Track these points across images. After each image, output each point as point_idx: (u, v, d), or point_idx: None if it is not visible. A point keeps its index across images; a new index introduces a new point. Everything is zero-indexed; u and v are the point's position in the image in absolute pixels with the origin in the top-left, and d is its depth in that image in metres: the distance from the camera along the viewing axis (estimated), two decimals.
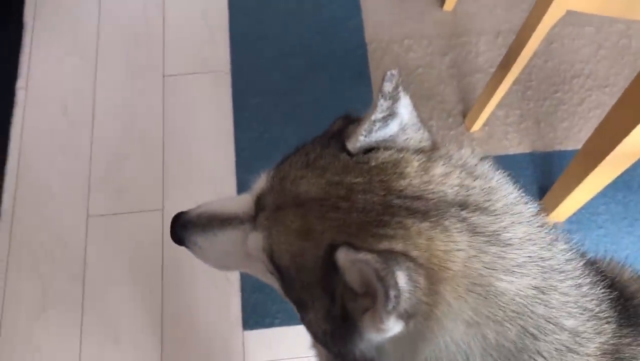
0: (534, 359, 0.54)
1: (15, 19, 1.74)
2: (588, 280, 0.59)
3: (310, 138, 0.67)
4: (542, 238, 0.57)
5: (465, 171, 0.58)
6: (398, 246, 0.52)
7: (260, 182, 0.66)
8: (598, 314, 0.58)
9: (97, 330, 1.39)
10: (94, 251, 1.47)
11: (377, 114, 0.58)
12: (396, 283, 0.48)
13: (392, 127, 0.60)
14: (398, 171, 0.57)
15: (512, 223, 0.56)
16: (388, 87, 0.57)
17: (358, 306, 0.53)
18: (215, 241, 0.70)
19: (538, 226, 0.57)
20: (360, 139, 0.59)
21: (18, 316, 1.40)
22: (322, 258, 0.55)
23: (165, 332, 1.39)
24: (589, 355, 0.56)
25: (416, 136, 0.61)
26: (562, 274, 0.57)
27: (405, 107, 0.60)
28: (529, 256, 0.55)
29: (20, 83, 1.68)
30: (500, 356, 0.54)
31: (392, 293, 0.47)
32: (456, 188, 0.56)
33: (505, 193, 0.58)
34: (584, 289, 0.58)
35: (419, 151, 0.59)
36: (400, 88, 0.59)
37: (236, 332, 1.39)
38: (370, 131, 0.59)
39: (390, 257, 0.50)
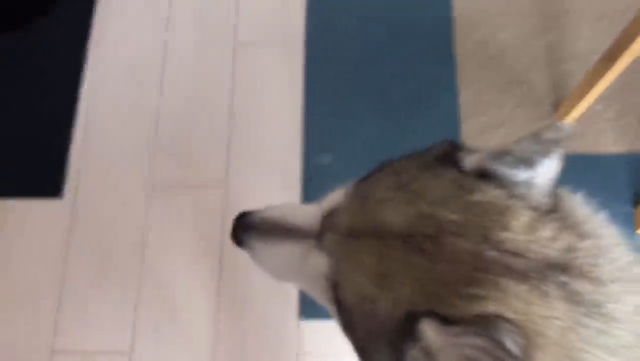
0: None
1: None
2: None
3: (396, 154, 0.57)
4: None
5: (576, 231, 0.48)
6: (491, 308, 0.43)
7: (336, 196, 0.58)
8: None
9: (153, 303, 1.37)
10: (154, 224, 1.43)
11: (521, 152, 0.48)
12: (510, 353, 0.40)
13: (520, 174, 0.49)
14: (502, 220, 0.47)
15: (621, 292, 0.46)
16: (548, 135, 0.48)
17: None
18: (275, 251, 0.63)
19: None
20: (487, 160, 0.49)
21: (77, 285, 1.39)
22: (396, 320, 0.46)
23: (220, 312, 1.35)
24: None
25: (537, 197, 0.49)
26: None
27: (546, 168, 0.49)
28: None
29: (91, 42, 1.64)
30: None
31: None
32: (561, 251, 0.46)
33: (617, 255, 0.48)
34: None
35: (533, 208, 0.48)
36: (558, 146, 0.48)
37: (292, 321, 1.34)
38: (502, 161, 0.49)
39: (493, 326, 0.41)
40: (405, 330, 0.44)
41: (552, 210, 0.49)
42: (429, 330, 0.43)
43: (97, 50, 1.63)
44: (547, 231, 0.47)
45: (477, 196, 0.48)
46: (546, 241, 0.46)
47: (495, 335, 0.40)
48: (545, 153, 0.48)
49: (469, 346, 0.40)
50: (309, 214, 0.60)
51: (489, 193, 0.48)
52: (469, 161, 0.50)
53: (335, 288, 0.53)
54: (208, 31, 1.63)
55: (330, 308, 0.57)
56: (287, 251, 0.61)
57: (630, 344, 0.44)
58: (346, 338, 0.55)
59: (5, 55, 1.65)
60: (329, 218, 0.57)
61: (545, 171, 0.49)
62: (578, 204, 0.50)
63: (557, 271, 0.45)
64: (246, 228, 0.66)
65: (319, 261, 0.55)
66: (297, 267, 0.61)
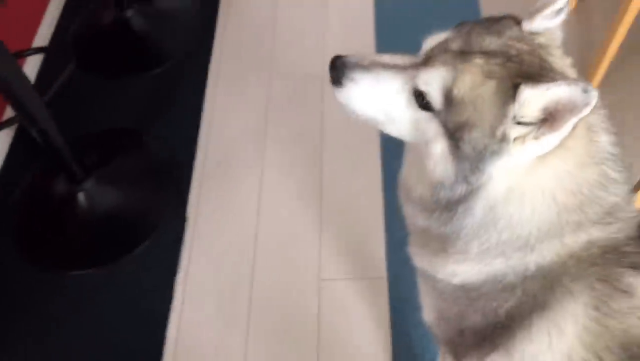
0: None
1: (178, 214, 1.81)
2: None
3: None
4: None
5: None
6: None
7: (440, 37, 0.80)
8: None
9: None
10: None
11: (557, 5, 0.77)
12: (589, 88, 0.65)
13: (556, 22, 0.79)
14: (549, 52, 0.77)
15: None
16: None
17: (518, 131, 0.72)
18: (376, 81, 0.81)
19: None
20: (537, 21, 0.77)
21: None
22: (501, 93, 0.72)
23: None
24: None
25: (558, 37, 0.80)
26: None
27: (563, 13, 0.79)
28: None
29: (179, 277, 1.69)
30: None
31: (591, 93, 0.65)
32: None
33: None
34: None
35: (559, 46, 0.79)
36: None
37: None
38: (546, 17, 0.77)
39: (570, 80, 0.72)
40: (506, 97, 0.71)
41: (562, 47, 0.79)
42: (528, 90, 0.69)
43: (184, 286, 1.67)
44: (568, 59, 0.79)
45: (536, 40, 0.77)
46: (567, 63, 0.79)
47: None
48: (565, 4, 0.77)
49: (558, 88, 0.67)
50: (403, 58, 0.82)
51: (541, 39, 0.77)
52: (529, 25, 0.78)
53: (449, 88, 0.74)
54: (293, 264, 1.69)
55: (422, 123, 0.78)
56: (389, 80, 0.80)
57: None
58: (443, 130, 0.76)
59: (94, 290, 1.69)
60: (436, 48, 0.78)
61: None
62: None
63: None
64: (345, 64, 0.82)
65: (431, 75, 0.76)
66: (395, 96, 0.80)
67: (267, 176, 1.87)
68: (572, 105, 0.66)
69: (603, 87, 1.95)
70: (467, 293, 0.88)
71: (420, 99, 0.77)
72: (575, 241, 0.79)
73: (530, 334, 0.81)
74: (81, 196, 1.80)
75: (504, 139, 0.72)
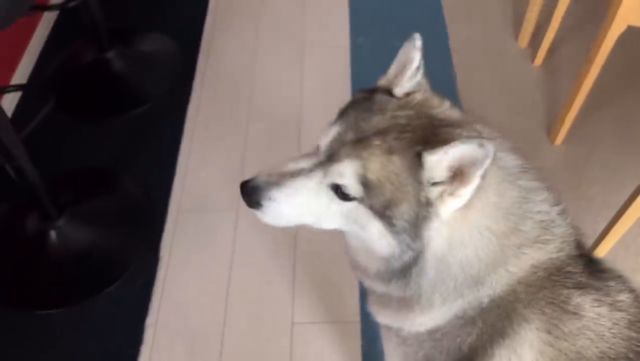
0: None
1: (151, 256, 1.79)
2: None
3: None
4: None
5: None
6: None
7: (331, 131, 0.84)
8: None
9: None
10: None
11: (416, 64, 0.85)
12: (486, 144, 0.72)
13: (419, 76, 0.86)
14: (431, 105, 0.84)
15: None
16: (419, 44, 0.85)
17: (436, 192, 0.77)
18: (293, 192, 0.84)
19: None
20: (405, 84, 0.85)
21: None
22: (408, 163, 0.77)
23: None
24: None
25: (424, 83, 0.87)
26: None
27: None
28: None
29: (150, 320, 1.67)
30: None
31: (487, 147, 0.72)
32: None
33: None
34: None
35: (430, 91, 0.87)
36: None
37: None
38: (412, 77, 0.85)
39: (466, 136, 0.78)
40: (414, 166, 0.76)
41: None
42: (430, 156, 0.75)
43: (155, 329, 1.65)
44: (446, 102, 0.86)
45: (414, 101, 0.84)
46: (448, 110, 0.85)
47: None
48: (421, 55, 0.85)
49: (456, 148, 0.73)
50: (303, 160, 0.85)
51: (417, 97, 0.85)
52: (400, 91, 0.85)
53: (364, 175, 0.78)
54: (265, 310, 1.68)
55: (349, 210, 0.82)
56: (302, 185, 0.83)
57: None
58: (371, 213, 0.80)
59: (61, 330, 1.65)
60: (334, 142, 0.82)
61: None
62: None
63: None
64: (256, 188, 0.86)
65: (343, 167, 0.80)
66: (313, 195, 0.83)
67: (242, 220, 1.88)
68: (473, 160, 0.73)
69: (568, 141, 2.03)
70: (431, 335, 0.91)
71: (340, 193, 0.81)
72: (519, 267, 0.83)
73: None
74: (53, 234, 1.78)
75: (428, 203, 0.77)
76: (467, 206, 0.78)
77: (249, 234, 1.84)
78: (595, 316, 0.81)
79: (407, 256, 0.82)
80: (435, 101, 0.85)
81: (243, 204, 1.84)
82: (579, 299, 0.82)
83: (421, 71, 0.86)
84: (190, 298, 1.72)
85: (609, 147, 2.02)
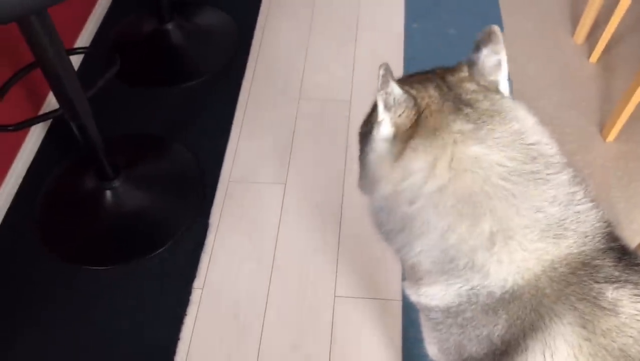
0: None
1: (200, 222, 1.84)
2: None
3: None
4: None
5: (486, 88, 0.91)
6: (413, 91, 0.89)
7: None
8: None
9: None
10: None
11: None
12: (391, 89, 0.86)
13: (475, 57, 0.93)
14: (458, 74, 0.93)
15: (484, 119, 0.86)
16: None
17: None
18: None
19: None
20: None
21: None
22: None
23: None
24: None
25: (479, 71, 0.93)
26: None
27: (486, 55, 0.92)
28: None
29: (197, 283, 1.72)
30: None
31: (386, 89, 0.86)
32: (469, 93, 0.90)
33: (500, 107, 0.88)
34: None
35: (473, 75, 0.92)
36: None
37: None
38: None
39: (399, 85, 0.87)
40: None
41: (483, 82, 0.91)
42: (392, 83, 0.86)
43: (202, 291, 1.70)
44: (472, 85, 0.90)
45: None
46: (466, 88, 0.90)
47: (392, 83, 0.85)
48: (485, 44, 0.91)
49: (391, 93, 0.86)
50: None
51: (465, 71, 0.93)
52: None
53: None
54: (310, 278, 1.72)
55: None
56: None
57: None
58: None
59: (108, 287, 1.71)
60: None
61: (485, 56, 0.91)
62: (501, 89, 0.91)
63: (458, 100, 0.88)
64: None
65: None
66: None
67: (290, 194, 1.91)
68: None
69: (621, 138, 2.02)
70: (455, 318, 0.90)
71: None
72: (529, 261, 0.81)
73: (526, 357, 0.81)
74: (108, 194, 1.84)
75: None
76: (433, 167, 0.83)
77: (296, 208, 1.88)
78: (634, 313, 0.78)
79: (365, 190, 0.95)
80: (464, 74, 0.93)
81: (290, 177, 1.89)
82: (614, 294, 0.79)
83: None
84: (237, 264, 1.76)
85: None
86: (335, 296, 1.69)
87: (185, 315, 1.65)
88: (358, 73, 2.26)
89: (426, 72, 0.95)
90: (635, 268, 0.82)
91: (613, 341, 0.77)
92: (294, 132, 2.09)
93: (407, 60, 2.28)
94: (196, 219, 1.85)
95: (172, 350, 1.58)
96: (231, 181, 1.95)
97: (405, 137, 0.86)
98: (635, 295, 0.79)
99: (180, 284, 1.72)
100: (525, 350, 0.82)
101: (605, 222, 0.86)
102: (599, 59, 2.26)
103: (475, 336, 0.89)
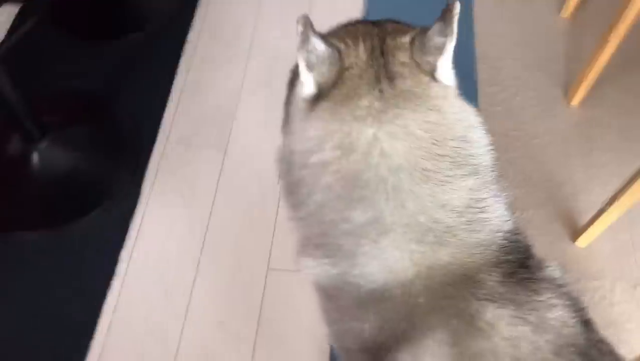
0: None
1: (133, 187, 1.74)
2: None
3: None
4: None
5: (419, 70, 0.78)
6: (342, 45, 0.79)
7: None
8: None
9: None
10: None
11: None
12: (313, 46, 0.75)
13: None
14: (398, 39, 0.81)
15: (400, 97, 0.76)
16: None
17: None
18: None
19: None
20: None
21: None
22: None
23: None
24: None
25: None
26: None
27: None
28: None
29: (124, 253, 1.63)
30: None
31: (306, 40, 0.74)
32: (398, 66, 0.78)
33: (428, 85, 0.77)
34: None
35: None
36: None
37: None
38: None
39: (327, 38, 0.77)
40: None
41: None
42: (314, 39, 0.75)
43: (128, 264, 1.61)
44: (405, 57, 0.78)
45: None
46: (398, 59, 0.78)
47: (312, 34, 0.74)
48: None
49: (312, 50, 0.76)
50: None
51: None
52: None
53: None
54: (243, 253, 1.63)
55: None
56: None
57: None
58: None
59: (36, 254, 1.63)
60: None
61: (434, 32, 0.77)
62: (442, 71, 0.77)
63: (383, 69, 0.77)
64: None
65: None
66: None
67: (230, 160, 1.80)
68: None
69: (586, 103, 1.89)
70: (333, 303, 0.83)
71: None
72: (402, 264, 0.73)
73: None
74: (35, 156, 1.74)
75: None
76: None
77: (235, 175, 1.77)
78: (510, 337, 0.69)
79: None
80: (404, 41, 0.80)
81: (232, 142, 1.78)
82: (490, 315, 0.69)
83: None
84: (167, 234, 1.67)
85: (629, 114, 1.87)
86: (268, 268, 1.60)
87: (109, 288, 1.57)
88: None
89: (375, 23, 0.84)
90: (528, 284, 0.73)
91: None
92: (240, 93, 1.96)
93: (367, 14, 2.13)
94: (128, 184, 1.75)
95: (91, 326, 1.51)
96: (168, 144, 1.84)
97: (323, 96, 0.77)
98: (515, 317, 0.70)
99: (106, 254, 1.63)
100: (394, 360, 0.73)
101: (507, 232, 0.77)
102: (572, 14, 2.11)
103: (350, 328, 0.81)
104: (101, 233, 1.66)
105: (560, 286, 0.76)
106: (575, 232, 1.64)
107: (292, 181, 0.81)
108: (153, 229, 1.67)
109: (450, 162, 0.74)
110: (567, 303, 0.74)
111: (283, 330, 1.51)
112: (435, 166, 0.73)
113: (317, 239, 0.80)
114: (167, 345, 1.48)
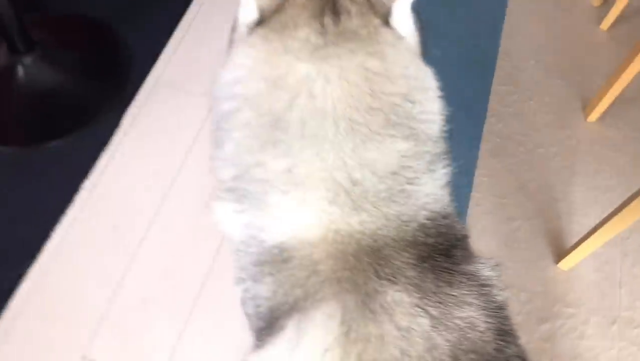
0: None
1: (114, 116, 1.68)
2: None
3: None
4: None
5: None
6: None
7: None
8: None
9: None
10: None
11: None
12: None
13: None
14: None
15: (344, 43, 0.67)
16: None
17: None
18: None
19: None
20: None
21: None
22: None
23: None
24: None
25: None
26: None
27: None
28: None
29: (88, 182, 1.57)
30: None
31: None
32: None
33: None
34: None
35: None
36: None
37: None
38: None
39: None
40: None
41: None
42: None
43: (89, 193, 1.55)
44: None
45: None
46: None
47: None
48: None
49: None
50: None
51: None
52: None
53: None
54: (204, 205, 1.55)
55: None
56: None
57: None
58: None
59: (5, 167, 1.58)
60: None
61: None
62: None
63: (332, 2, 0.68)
64: None
65: None
66: None
67: None
68: None
69: (604, 119, 1.75)
70: (238, 260, 0.74)
71: None
72: (304, 220, 0.65)
73: (275, 341, 0.65)
74: (20, 70, 1.68)
75: None
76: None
77: None
78: (404, 328, 0.60)
79: None
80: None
81: None
82: (389, 298, 0.61)
83: None
84: (136, 173, 1.60)
85: None
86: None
87: (64, 214, 1.52)
88: None
89: None
90: (442, 274, 0.64)
91: (367, 354, 0.60)
92: None
93: None
94: (109, 114, 1.69)
95: (37, 246, 1.46)
96: (159, 83, 1.77)
97: (262, 22, 0.70)
98: (416, 306, 0.61)
99: (70, 179, 1.57)
100: (280, 330, 0.66)
101: (435, 213, 0.68)
102: (611, 27, 1.96)
103: (248, 289, 0.73)
104: (70, 159, 1.61)
105: (483, 285, 0.67)
106: (561, 253, 1.52)
107: (218, 116, 0.73)
108: (122, 166, 1.61)
109: (384, 118, 0.66)
110: (484, 305, 0.65)
111: (228, 292, 1.43)
112: (365, 120, 0.65)
113: (231, 183, 0.72)
114: (107, 282, 1.42)
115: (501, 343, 0.64)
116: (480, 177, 1.62)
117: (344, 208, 0.65)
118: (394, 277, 0.63)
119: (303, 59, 0.66)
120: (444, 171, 0.71)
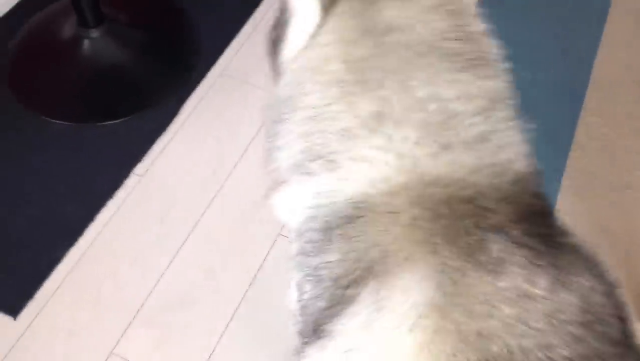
0: None
1: (175, 102, 1.61)
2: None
3: None
4: None
5: None
6: None
7: None
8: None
9: None
10: None
11: None
12: None
13: None
14: None
15: None
16: None
17: None
18: None
19: None
20: None
21: None
22: None
23: None
24: None
25: None
26: None
27: None
28: None
29: (139, 168, 1.49)
30: None
31: None
32: None
33: None
34: None
35: None
36: None
37: None
38: None
39: None
40: None
41: None
42: None
43: (140, 179, 1.48)
44: None
45: None
46: None
47: None
48: None
49: None
50: None
51: None
52: None
53: None
54: (259, 207, 1.46)
55: None
56: None
57: None
58: None
59: (58, 144, 1.52)
60: None
61: None
62: None
63: None
64: None
65: None
66: None
67: None
68: None
69: None
70: (299, 240, 0.67)
71: None
72: (389, 161, 0.57)
73: (351, 312, 0.55)
74: (86, 44, 1.63)
75: None
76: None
77: None
78: (517, 288, 0.51)
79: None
80: None
81: None
82: (494, 254, 0.51)
83: None
84: (190, 164, 1.52)
85: None
86: (280, 234, 1.42)
87: (111, 198, 1.44)
88: None
89: None
90: (547, 239, 0.56)
91: (471, 321, 0.49)
92: None
93: None
94: (170, 99, 1.61)
95: (79, 229, 1.38)
96: (225, 72, 1.69)
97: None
98: (530, 264, 0.52)
99: (122, 163, 1.50)
100: (351, 302, 0.55)
101: (524, 173, 0.62)
102: None
103: (307, 268, 0.64)
104: (124, 141, 1.54)
105: (588, 259, 0.61)
106: None
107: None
108: (176, 156, 1.53)
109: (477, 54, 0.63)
110: (598, 278, 0.59)
111: (274, 298, 1.32)
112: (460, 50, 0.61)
113: (299, 156, 0.65)
114: (147, 276, 1.33)
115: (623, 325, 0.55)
116: (559, 216, 1.47)
117: (431, 147, 0.56)
118: (498, 230, 0.53)
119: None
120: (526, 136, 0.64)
